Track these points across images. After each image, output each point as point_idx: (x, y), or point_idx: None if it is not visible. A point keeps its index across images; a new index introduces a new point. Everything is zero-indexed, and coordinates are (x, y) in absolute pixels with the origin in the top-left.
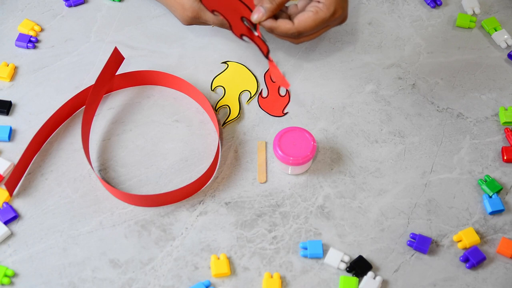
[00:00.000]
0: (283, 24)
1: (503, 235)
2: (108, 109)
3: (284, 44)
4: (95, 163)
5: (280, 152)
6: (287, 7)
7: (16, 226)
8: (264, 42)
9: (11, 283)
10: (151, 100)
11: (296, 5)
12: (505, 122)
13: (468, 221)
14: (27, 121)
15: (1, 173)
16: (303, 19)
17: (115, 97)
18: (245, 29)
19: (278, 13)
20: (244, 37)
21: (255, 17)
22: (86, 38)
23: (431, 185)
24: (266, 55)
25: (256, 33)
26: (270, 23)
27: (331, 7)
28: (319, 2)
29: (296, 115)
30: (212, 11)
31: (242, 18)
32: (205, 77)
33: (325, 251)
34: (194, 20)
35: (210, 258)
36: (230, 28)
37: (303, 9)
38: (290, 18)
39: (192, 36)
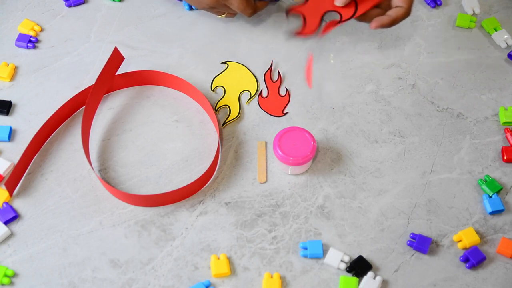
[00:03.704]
0: (395, 13)
1: (503, 235)
2: (108, 109)
3: (284, 44)
4: (95, 163)
5: (280, 152)
6: None
7: (16, 226)
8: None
9: (11, 283)
10: (151, 100)
11: None
12: (505, 122)
13: (468, 221)
14: (27, 121)
15: (1, 173)
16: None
17: (115, 97)
18: (317, 25)
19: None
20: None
21: (339, 1)
22: (86, 38)
23: (431, 185)
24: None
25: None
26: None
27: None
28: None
29: (296, 115)
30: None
31: (322, 18)
32: (205, 77)
33: (325, 251)
34: (219, 3)
35: (210, 258)
36: (303, 27)
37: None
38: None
39: (192, 36)
